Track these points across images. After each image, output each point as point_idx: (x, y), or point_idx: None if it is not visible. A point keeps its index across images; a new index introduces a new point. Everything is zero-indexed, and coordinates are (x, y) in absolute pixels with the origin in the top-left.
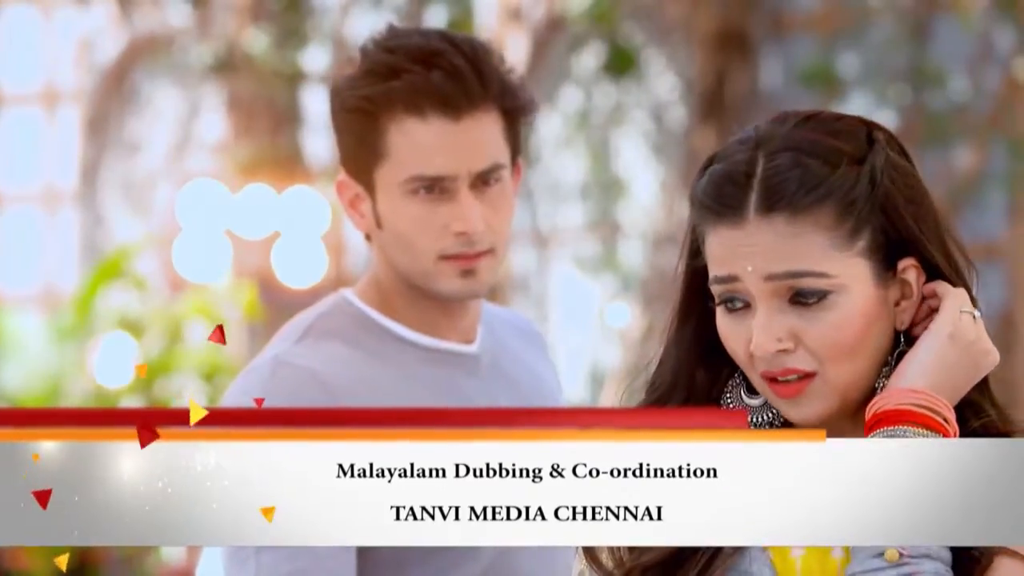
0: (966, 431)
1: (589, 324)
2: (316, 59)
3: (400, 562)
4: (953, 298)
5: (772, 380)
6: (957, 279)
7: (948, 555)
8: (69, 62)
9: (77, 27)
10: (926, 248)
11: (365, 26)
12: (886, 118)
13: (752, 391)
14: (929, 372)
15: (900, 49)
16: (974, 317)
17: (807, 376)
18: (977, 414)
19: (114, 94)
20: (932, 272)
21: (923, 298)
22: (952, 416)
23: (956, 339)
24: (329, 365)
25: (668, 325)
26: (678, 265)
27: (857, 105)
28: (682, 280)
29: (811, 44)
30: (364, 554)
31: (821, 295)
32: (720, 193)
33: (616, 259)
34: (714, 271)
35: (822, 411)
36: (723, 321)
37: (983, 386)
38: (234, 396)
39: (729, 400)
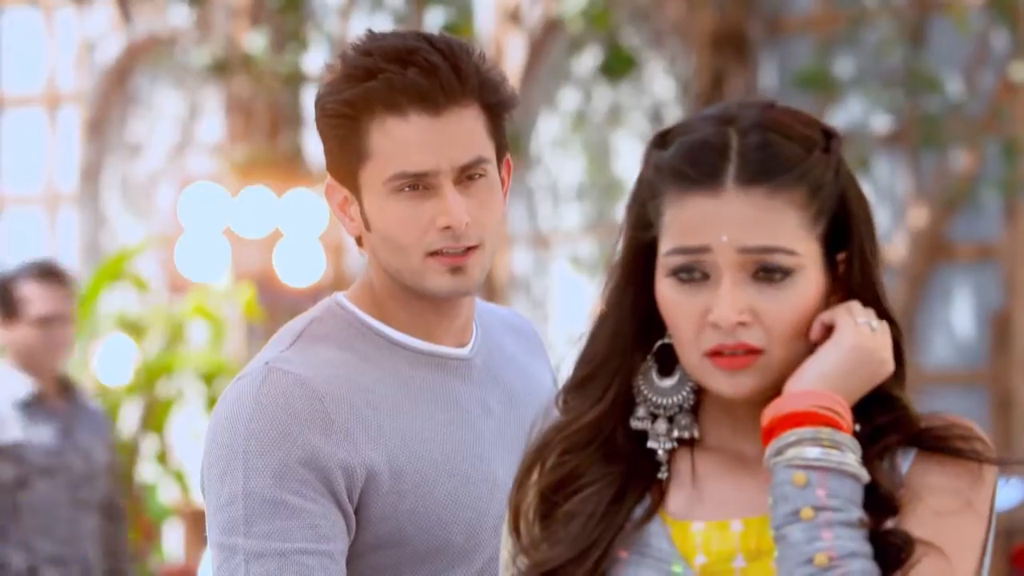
0: (871, 427)
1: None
2: (315, 61)
3: (394, 566)
4: (849, 309)
5: (716, 354)
6: (879, 282)
7: (870, 548)
8: (70, 64)
9: (78, 29)
10: (865, 246)
11: (364, 28)
12: (882, 120)
13: (663, 373)
14: (828, 378)
15: (896, 52)
16: (872, 328)
17: (754, 352)
18: (887, 411)
19: (114, 95)
20: (861, 270)
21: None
22: (848, 414)
23: (858, 350)
24: (320, 370)
25: (603, 297)
26: (619, 239)
27: (853, 107)
28: (625, 252)
29: (808, 46)
30: (359, 558)
31: (786, 272)
32: (698, 160)
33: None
34: (679, 241)
35: (757, 388)
36: (673, 293)
37: (896, 384)
38: (227, 403)
39: (641, 383)
